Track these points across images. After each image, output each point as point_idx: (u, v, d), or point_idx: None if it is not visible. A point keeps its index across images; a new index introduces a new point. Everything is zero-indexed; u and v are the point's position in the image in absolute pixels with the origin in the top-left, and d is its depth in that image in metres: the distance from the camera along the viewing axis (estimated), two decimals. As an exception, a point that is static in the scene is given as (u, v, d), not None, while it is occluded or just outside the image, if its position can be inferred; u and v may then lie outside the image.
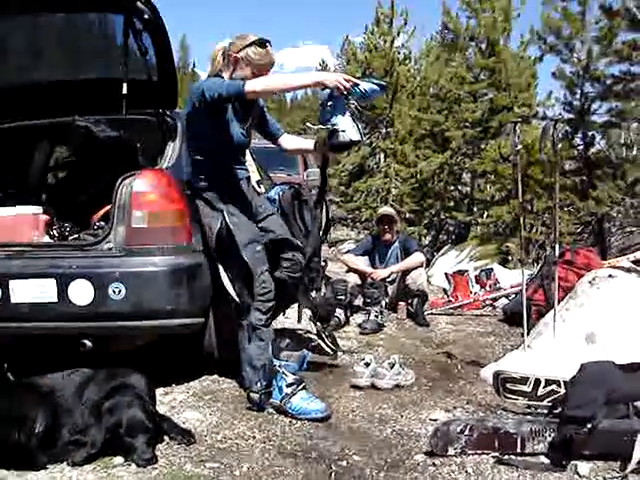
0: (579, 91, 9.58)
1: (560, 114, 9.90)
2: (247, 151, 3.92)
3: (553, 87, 13.86)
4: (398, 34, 15.78)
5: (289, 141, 3.97)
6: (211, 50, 3.61)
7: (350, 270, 6.38)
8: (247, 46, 3.47)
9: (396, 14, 15.57)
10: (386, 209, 7.24)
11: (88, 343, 3.38)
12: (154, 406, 2.97)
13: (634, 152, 9.84)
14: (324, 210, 4.16)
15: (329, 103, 3.37)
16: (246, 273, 3.49)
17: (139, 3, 3.49)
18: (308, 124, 3.73)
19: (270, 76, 3.52)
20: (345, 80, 3.25)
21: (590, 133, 9.70)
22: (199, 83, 3.55)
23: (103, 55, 4.24)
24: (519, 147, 4.25)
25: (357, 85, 3.28)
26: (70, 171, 4.79)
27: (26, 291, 3.35)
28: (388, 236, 6.56)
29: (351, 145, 3.55)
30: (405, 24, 15.83)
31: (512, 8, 11.17)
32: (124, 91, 3.77)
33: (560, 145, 4.63)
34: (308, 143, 3.87)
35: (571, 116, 9.73)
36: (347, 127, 3.36)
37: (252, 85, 3.28)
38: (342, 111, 3.35)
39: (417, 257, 6.32)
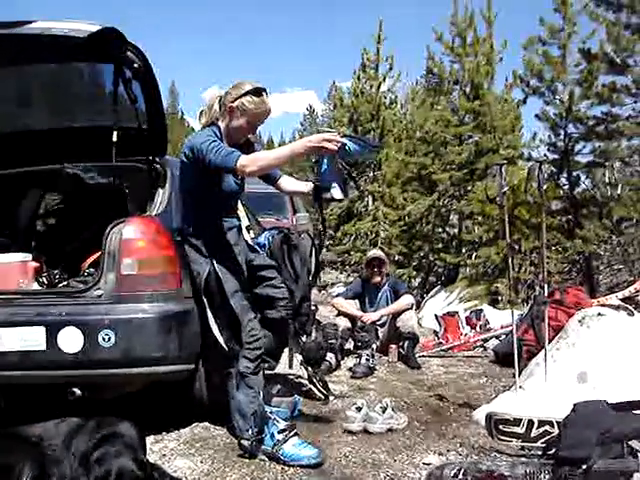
0: (563, 132, 9.75)
1: (545, 155, 10.05)
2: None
3: (538, 129, 14.03)
4: (384, 79, 16.04)
5: (288, 183, 3.93)
6: (200, 96, 3.78)
7: (340, 314, 6.38)
8: (242, 95, 3.46)
9: (381, 59, 15.86)
10: (375, 252, 7.27)
11: (77, 391, 3.34)
12: (144, 455, 2.92)
13: (618, 191, 9.97)
14: (313, 254, 4.19)
15: (320, 159, 3.43)
16: (234, 321, 3.48)
17: (129, 52, 3.54)
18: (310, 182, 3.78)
19: (261, 154, 3.49)
20: (329, 141, 3.21)
21: (575, 173, 9.85)
22: (194, 138, 3.51)
23: (93, 103, 4.29)
24: (505, 189, 4.30)
25: (344, 144, 3.27)
26: (59, 218, 4.81)
27: (14, 339, 3.32)
28: (377, 279, 6.58)
29: (333, 201, 3.64)
30: (390, 69, 16.12)
31: (495, 52, 11.40)
32: (114, 139, 3.79)
33: (546, 186, 4.68)
34: (305, 186, 3.86)
35: (556, 157, 9.88)
36: (334, 184, 3.42)
37: (245, 164, 3.25)
38: (329, 168, 3.40)
39: (407, 299, 6.33)
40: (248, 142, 3.71)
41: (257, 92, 3.49)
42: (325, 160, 3.39)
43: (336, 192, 3.44)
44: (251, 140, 3.75)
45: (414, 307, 6.60)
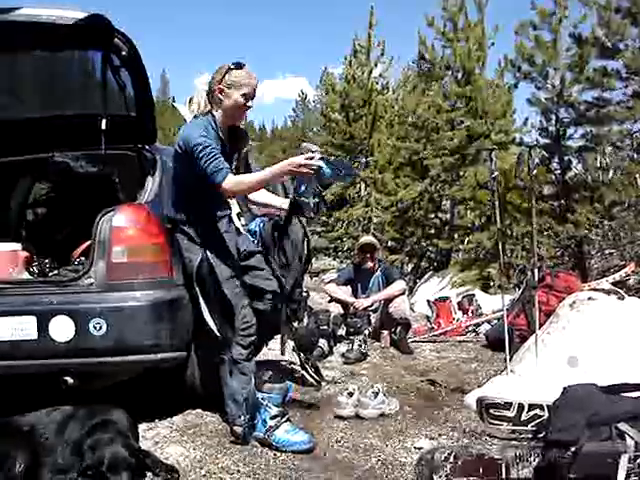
0: (554, 117, 9.75)
1: (537, 140, 10.06)
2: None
3: (529, 113, 13.98)
4: (375, 65, 15.97)
5: (261, 195, 4.00)
6: (191, 84, 3.65)
7: (333, 300, 6.39)
8: (226, 73, 3.47)
9: (373, 45, 15.76)
10: (367, 238, 7.27)
11: (69, 380, 3.35)
12: (137, 442, 2.93)
13: (610, 175, 10.00)
14: (305, 241, 4.19)
15: (298, 180, 3.52)
16: (227, 307, 3.49)
17: (117, 40, 3.52)
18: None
19: (245, 177, 3.54)
20: (307, 166, 3.29)
21: (566, 158, 9.85)
22: (187, 129, 3.52)
23: (82, 91, 4.26)
24: (496, 174, 4.31)
25: (320, 167, 3.34)
26: (49, 207, 4.78)
27: (5, 329, 3.32)
28: (370, 264, 6.59)
29: (307, 215, 3.76)
30: (382, 54, 16.03)
31: (486, 37, 11.35)
32: (103, 127, 3.77)
33: (536, 171, 4.69)
34: (276, 200, 4.02)
35: (547, 141, 9.88)
36: (306, 200, 3.52)
37: (228, 188, 3.35)
38: (305, 184, 3.48)
39: (399, 285, 6.34)
40: (239, 131, 3.73)
41: (239, 66, 3.51)
42: (302, 180, 3.48)
43: (306, 209, 3.58)
44: (242, 129, 3.78)
45: (406, 293, 6.62)
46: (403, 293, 6.34)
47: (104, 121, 3.79)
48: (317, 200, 3.53)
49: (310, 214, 3.62)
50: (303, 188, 3.48)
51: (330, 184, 3.84)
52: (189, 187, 3.55)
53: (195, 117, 3.62)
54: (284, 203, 3.86)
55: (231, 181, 3.34)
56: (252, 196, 3.99)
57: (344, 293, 6.45)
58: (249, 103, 3.56)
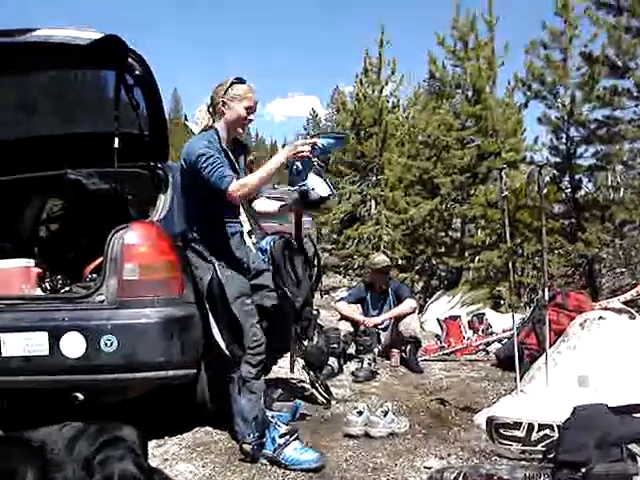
0: (564, 135, 9.72)
1: (547, 158, 10.03)
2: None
3: (540, 132, 13.99)
4: (386, 83, 15.99)
5: (262, 204, 4.07)
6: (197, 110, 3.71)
7: (343, 318, 6.38)
8: (229, 87, 3.57)
9: (384, 64, 15.80)
10: (382, 258, 7.11)
11: (80, 396, 3.37)
12: (146, 459, 2.94)
13: (621, 194, 9.94)
14: (316, 259, 4.21)
15: (294, 167, 3.57)
16: (236, 326, 3.50)
17: (130, 59, 3.57)
18: (276, 186, 3.93)
19: (247, 178, 3.56)
20: (302, 144, 3.42)
21: (577, 176, 9.82)
22: (190, 145, 3.56)
23: (95, 109, 4.32)
24: (506, 193, 4.31)
25: (315, 144, 3.46)
26: (62, 224, 4.83)
27: (17, 344, 3.35)
28: (382, 283, 6.59)
29: (322, 201, 3.76)
30: (393, 73, 16.05)
31: (496, 56, 11.38)
32: (116, 144, 3.82)
33: (546, 190, 4.69)
34: (272, 206, 4.04)
35: (558, 160, 9.86)
36: (316, 185, 3.59)
37: (233, 190, 3.40)
38: (308, 171, 3.56)
39: (409, 303, 6.32)
40: (240, 144, 3.80)
41: (241, 80, 3.62)
42: (301, 165, 3.53)
43: (322, 190, 3.61)
44: (242, 142, 3.87)
45: (417, 311, 6.60)
46: (413, 312, 6.31)
47: (116, 139, 3.83)
48: (324, 177, 3.61)
49: (327, 191, 3.65)
50: (303, 172, 3.55)
51: (329, 159, 3.91)
52: (197, 202, 3.60)
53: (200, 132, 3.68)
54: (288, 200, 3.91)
55: (236, 185, 3.41)
56: (257, 205, 4.04)
57: (355, 312, 6.44)
58: (251, 116, 3.65)
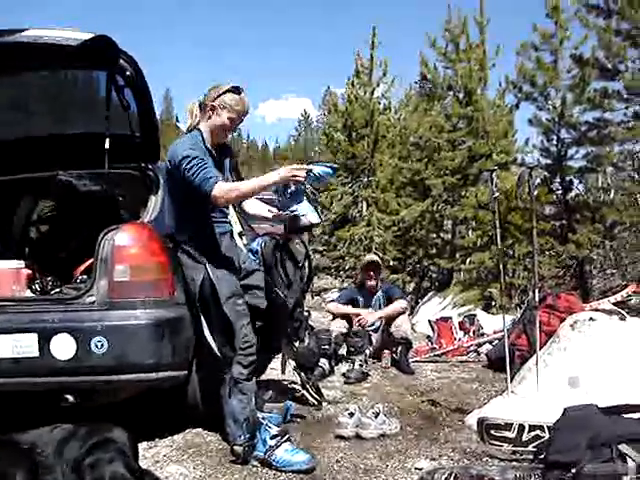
0: (555, 137, 9.76)
1: (538, 160, 10.07)
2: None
3: (530, 134, 14.00)
4: (378, 85, 16.01)
5: (253, 205, 4.05)
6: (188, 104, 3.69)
7: (337, 317, 6.38)
8: (223, 93, 3.54)
9: (375, 65, 15.82)
10: (372, 256, 7.27)
11: (70, 398, 3.35)
12: (137, 461, 2.93)
13: (611, 195, 10.01)
14: (307, 260, 4.21)
15: (288, 191, 3.58)
16: (227, 327, 3.49)
17: (121, 60, 3.57)
18: (270, 211, 3.91)
19: (235, 185, 3.56)
20: (299, 169, 3.41)
21: (568, 178, 9.86)
22: (175, 146, 3.54)
23: (86, 110, 4.31)
24: (496, 195, 4.32)
25: (310, 170, 3.47)
26: (52, 225, 4.80)
27: (7, 346, 3.32)
28: (372, 283, 6.60)
29: (312, 227, 3.84)
30: (384, 75, 16.06)
31: (487, 58, 11.41)
32: (106, 146, 3.80)
33: (537, 191, 4.71)
34: (266, 210, 3.99)
35: (549, 162, 9.90)
36: (307, 211, 3.61)
37: (218, 195, 3.36)
38: (300, 197, 3.58)
39: (400, 304, 6.33)
40: (225, 146, 3.79)
41: (237, 90, 3.58)
42: (295, 189, 3.55)
43: (312, 217, 3.65)
44: (227, 144, 3.85)
45: (408, 312, 6.61)
46: (404, 312, 6.32)
47: (107, 140, 3.82)
48: (316, 205, 3.62)
49: (317, 219, 3.70)
50: (297, 196, 3.56)
51: (322, 184, 3.91)
52: (184, 203, 3.59)
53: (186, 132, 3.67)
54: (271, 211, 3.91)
55: (222, 189, 3.37)
56: (247, 206, 4.04)
57: (349, 308, 6.45)
58: (234, 127, 3.66)
